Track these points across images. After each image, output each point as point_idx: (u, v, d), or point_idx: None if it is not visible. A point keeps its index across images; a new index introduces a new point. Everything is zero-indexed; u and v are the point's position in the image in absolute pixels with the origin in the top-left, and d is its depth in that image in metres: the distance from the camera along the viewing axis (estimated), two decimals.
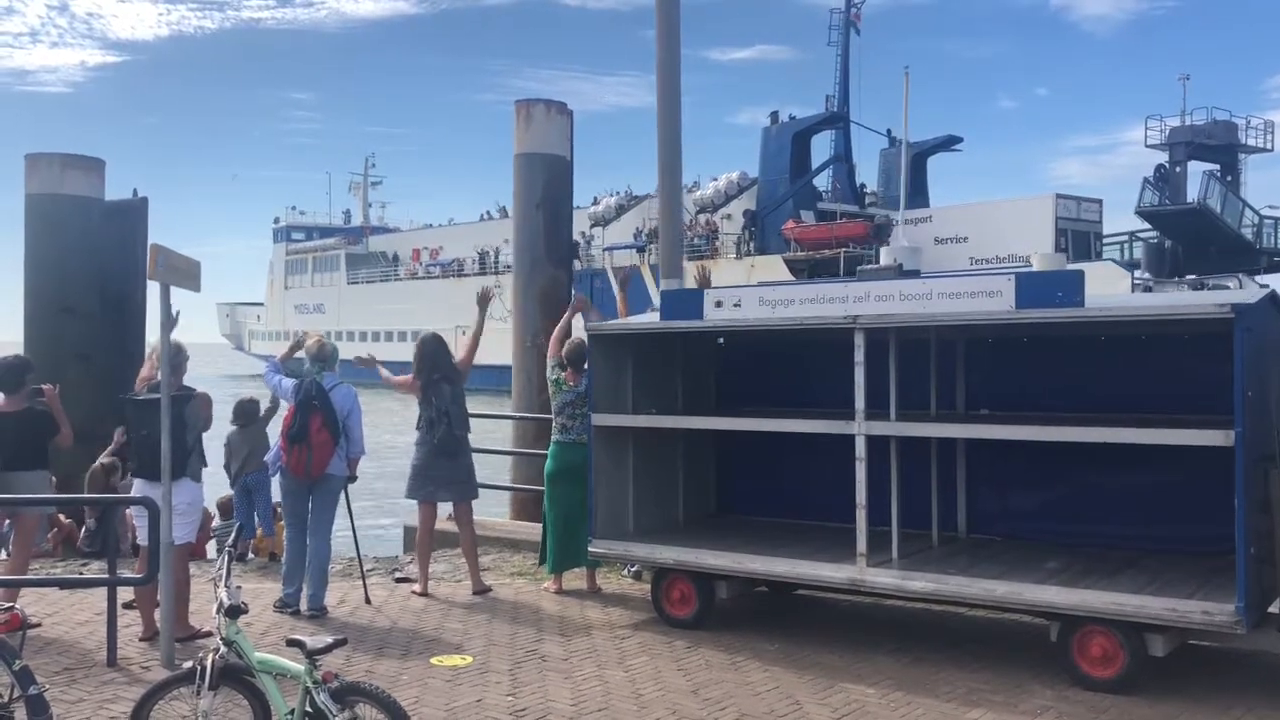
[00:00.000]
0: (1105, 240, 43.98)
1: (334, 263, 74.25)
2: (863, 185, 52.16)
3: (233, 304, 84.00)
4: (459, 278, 61.75)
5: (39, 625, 7.47)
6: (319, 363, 8.00)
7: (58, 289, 12.62)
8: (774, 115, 50.64)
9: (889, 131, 51.45)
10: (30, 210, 12.90)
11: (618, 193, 56.92)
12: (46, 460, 7.77)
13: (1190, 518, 6.86)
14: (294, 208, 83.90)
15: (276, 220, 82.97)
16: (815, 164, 51.08)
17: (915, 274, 12.19)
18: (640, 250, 49.11)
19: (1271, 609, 5.98)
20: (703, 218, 49.81)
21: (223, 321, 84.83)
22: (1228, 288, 16.51)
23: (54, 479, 8.05)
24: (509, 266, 53.62)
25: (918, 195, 47.60)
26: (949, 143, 50.39)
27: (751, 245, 47.56)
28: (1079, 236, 39.39)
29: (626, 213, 55.03)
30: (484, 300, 8.96)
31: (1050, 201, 39.04)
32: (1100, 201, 41.00)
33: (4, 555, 10.82)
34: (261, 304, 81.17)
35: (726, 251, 47.09)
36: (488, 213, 67.94)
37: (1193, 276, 34.70)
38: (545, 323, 11.76)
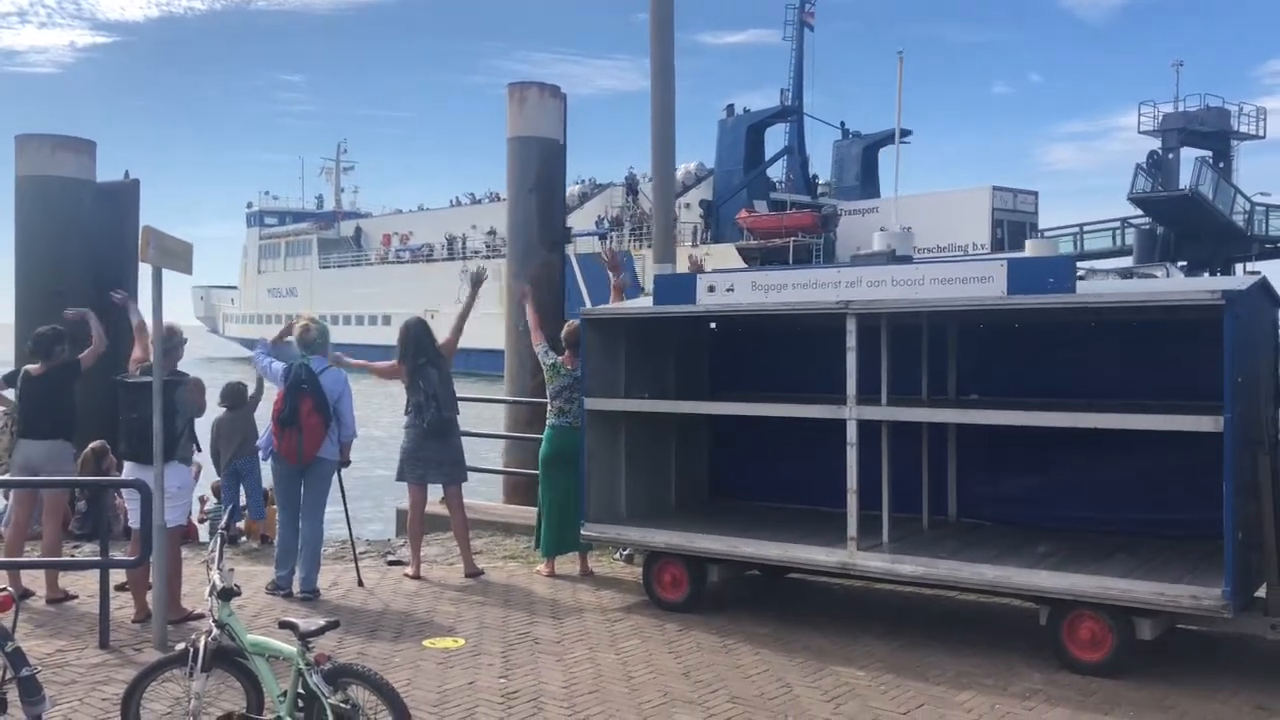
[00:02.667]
0: (1097, 226, 44.64)
1: (306, 247, 75.03)
2: (815, 176, 53.94)
3: (207, 287, 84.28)
4: (428, 262, 62.98)
5: (32, 596, 7.54)
6: (306, 348, 7.99)
7: (49, 272, 12.55)
8: (729, 108, 52.38)
9: (842, 124, 53.86)
10: (21, 192, 12.82)
11: (581, 181, 57.68)
12: (70, 431, 7.82)
13: (1180, 503, 6.90)
14: (267, 192, 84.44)
15: (250, 205, 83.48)
16: (769, 156, 52.70)
17: (907, 259, 12.17)
18: (602, 238, 49.95)
19: (1258, 593, 6.02)
20: None
21: (197, 304, 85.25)
22: (1155, 276, 16.70)
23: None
24: (477, 251, 55.61)
25: (868, 186, 49.59)
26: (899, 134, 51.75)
27: (708, 234, 48.34)
28: (1015, 227, 41.79)
29: (589, 201, 55.81)
30: (478, 281, 8.83)
31: (987, 193, 41.56)
32: (1036, 194, 43.67)
33: None
34: (236, 287, 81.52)
35: (683, 239, 47.78)
36: (456, 199, 69.33)
37: (1120, 266, 35.40)
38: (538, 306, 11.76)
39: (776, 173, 53.01)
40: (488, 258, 57.79)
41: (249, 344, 72.99)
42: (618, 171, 57.49)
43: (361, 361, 9.07)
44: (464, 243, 60.84)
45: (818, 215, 46.06)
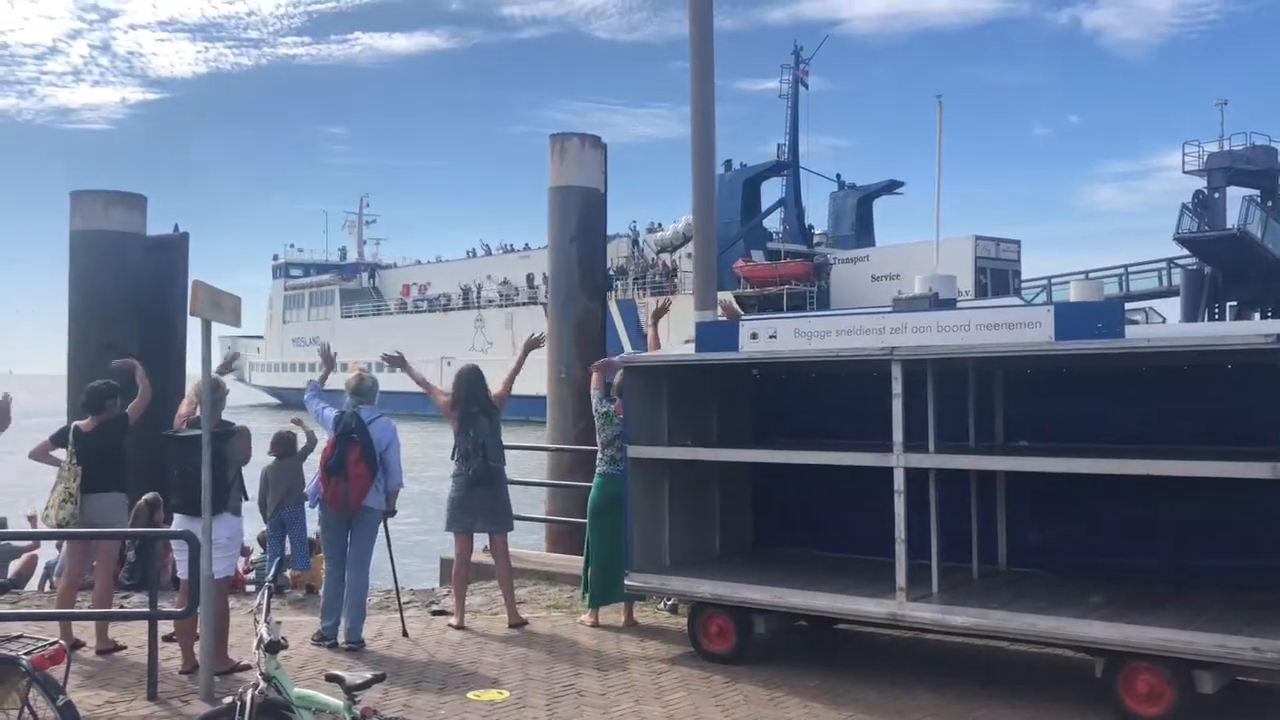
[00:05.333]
0: (1143, 267, 44.79)
1: (329, 297, 78.06)
2: (811, 226, 55.77)
3: (234, 337, 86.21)
4: (445, 312, 65.88)
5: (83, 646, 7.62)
6: (357, 396, 8.05)
7: (101, 324, 12.77)
8: (727, 163, 53.95)
9: (838, 176, 56.19)
10: (75, 246, 13.11)
11: None
12: (123, 483, 7.96)
13: (1236, 551, 6.74)
14: (293, 245, 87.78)
15: (275, 257, 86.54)
16: (765, 207, 54.80)
17: (950, 303, 12.11)
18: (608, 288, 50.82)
19: None
20: (664, 257, 52.99)
21: (224, 353, 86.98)
22: (1136, 322, 16.46)
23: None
24: (491, 300, 58.54)
25: (864, 236, 51.96)
26: (892, 186, 53.92)
27: None
28: (998, 274, 43.59)
29: None
30: (532, 345, 8.88)
31: (970, 242, 43.18)
32: (1018, 242, 45.49)
33: (48, 586, 10.96)
34: (261, 337, 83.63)
35: (684, 288, 48.65)
36: (473, 250, 72.61)
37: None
38: (579, 353, 11.79)
39: (774, 224, 54.89)
40: (501, 307, 59.56)
41: (275, 393, 74.76)
42: (646, 218, 60.35)
43: (435, 390, 8.89)
44: (479, 292, 63.41)
45: (810, 265, 48.30)
